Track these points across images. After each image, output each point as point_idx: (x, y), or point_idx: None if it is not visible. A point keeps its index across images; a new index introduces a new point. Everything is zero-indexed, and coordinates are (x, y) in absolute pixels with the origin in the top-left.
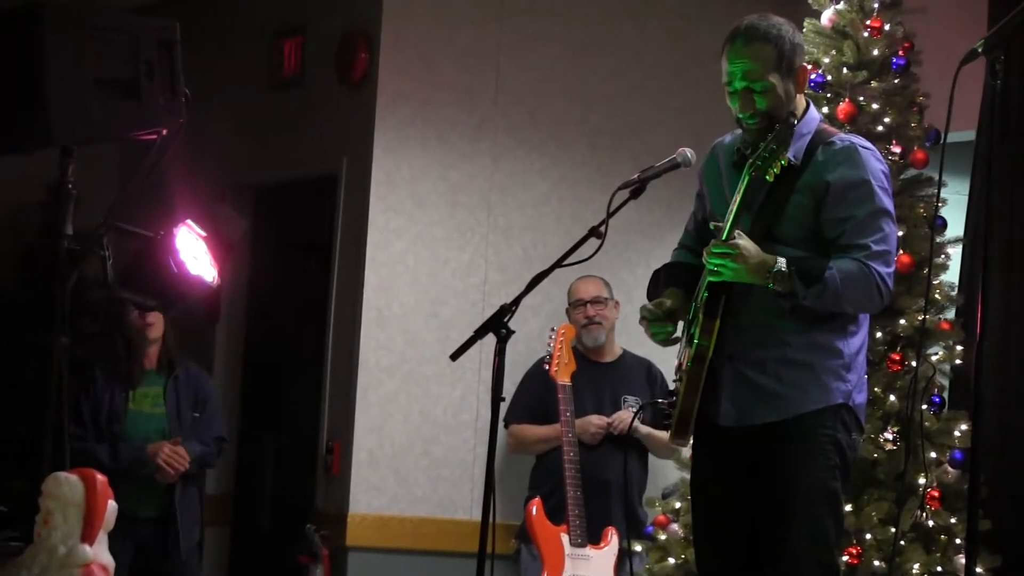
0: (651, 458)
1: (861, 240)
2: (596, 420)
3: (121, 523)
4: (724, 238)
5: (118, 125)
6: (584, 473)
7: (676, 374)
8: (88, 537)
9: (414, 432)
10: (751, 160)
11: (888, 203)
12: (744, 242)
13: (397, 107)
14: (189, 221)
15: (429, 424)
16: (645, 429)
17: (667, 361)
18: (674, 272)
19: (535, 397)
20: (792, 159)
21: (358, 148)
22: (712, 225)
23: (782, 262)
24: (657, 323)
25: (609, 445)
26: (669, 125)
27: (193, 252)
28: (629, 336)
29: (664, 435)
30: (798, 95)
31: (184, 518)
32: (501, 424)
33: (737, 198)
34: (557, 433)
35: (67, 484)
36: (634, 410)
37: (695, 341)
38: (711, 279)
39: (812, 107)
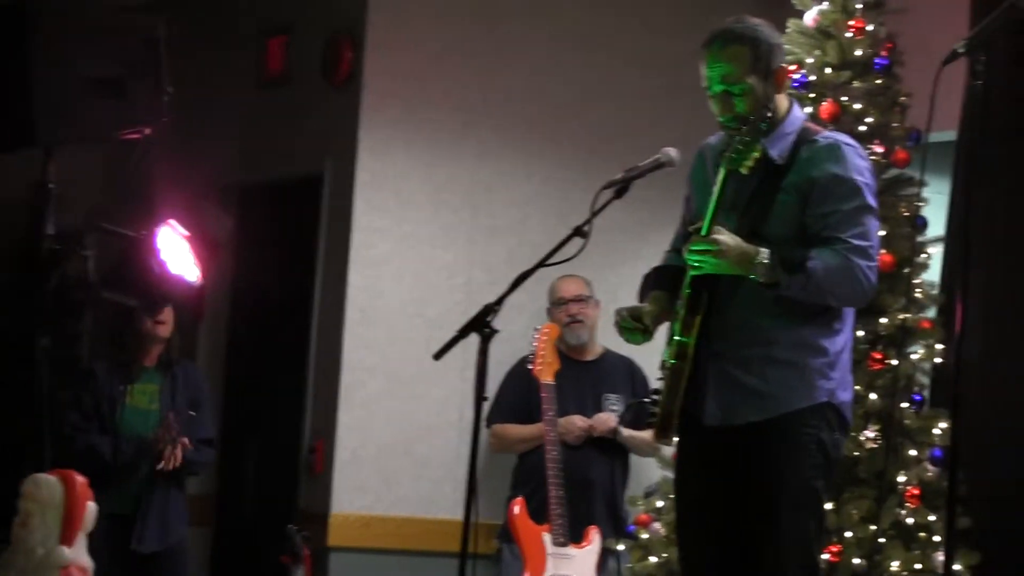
0: (633, 457)
1: (842, 234)
2: (579, 422)
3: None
4: (704, 233)
5: (103, 124)
6: (567, 472)
7: (660, 371)
8: (67, 539)
9: (397, 432)
10: (726, 154)
11: (872, 200)
12: (724, 236)
13: (382, 107)
14: (172, 221)
15: (412, 424)
16: (627, 432)
17: (649, 360)
18: (662, 275)
19: (518, 396)
20: (777, 158)
21: (343, 148)
22: (691, 227)
23: (764, 252)
24: (627, 332)
25: (591, 444)
26: (655, 125)
27: (176, 252)
28: (614, 336)
29: (645, 435)
30: (779, 95)
31: (172, 516)
32: (484, 424)
33: (715, 191)
34: (540, 433)
35: (46, 486)
36: (616, 411)
37: (676, 338)
38: (693, 273)
39: (796, 106)
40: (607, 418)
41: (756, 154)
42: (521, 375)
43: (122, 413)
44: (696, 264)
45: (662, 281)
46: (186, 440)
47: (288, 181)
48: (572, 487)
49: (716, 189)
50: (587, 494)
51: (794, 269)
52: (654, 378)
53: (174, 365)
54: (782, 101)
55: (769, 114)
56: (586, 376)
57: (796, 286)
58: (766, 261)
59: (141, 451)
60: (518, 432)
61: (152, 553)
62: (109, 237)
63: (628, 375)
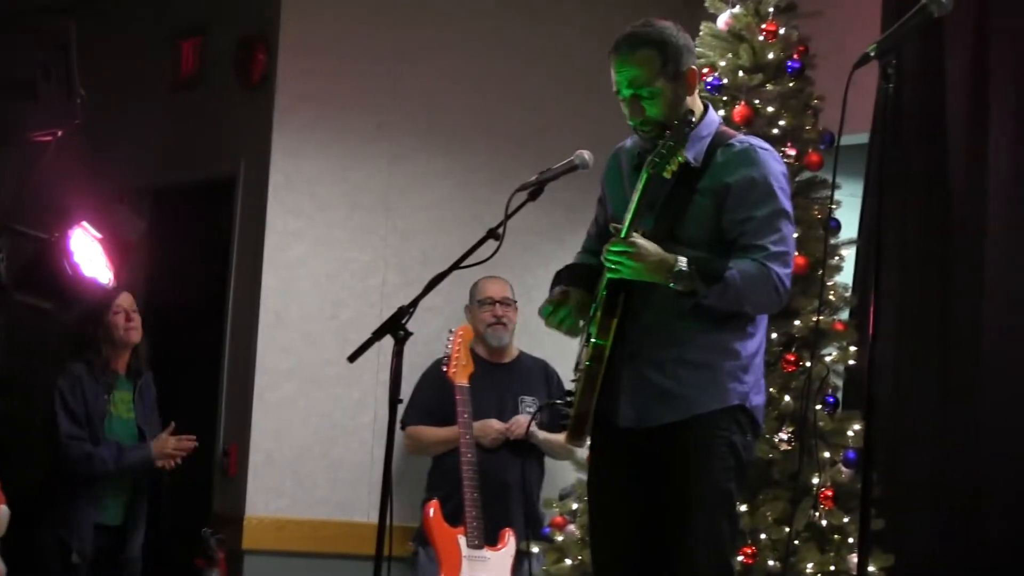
0: (548, 459)
1: (760, 241)
2: (495, 424)
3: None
4: (623, 236)
5: (14, 126)
6: (482, 475)
7: (575, 373)
8: None
9: (312, 434)
10: (649, 158)
11: (787, 204)
12: (642, 241)
13: (296, 109)
14: (84, 223)
15: (327, 426)
16: (542, 434)
17: (563, 362)
18: (575, 272)
19: (432, 398)
20: (692, 161)
21: (257, 150)
22: (611, 226)
23: (683, 261)
24: (560, 312)
25: (507, 447)
26: (569, 127)
27: (89, 254)
28: (530, 338)
29: (559, 438)
30: (691, 97)
31: (139, 522)
32: (399, 426)
33: (635, 196)
34: (455, 435)
35: None
36: (531, 412)
37: (592, 340)
38: (610, 275)
39: (711, 110)
40: (523, 421)
41: (680, 159)
42: (436, 377)
43: (108, 423)
44: (613, 266)
45: (575, 279)
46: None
47: (202, 183)
48: (488, 490)
49: (637, 193)
50: (503, 497)
51: (712, 279)
52: (568, 380)
53: (142, 373)
54: (696, 104)
55: (693, 118)
56: (503, 378)
57: (713, 296)
58: (684, 270)
59: (145, 460)
60: (433, 434)
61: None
62: (21, 239)
63: (543, 377)
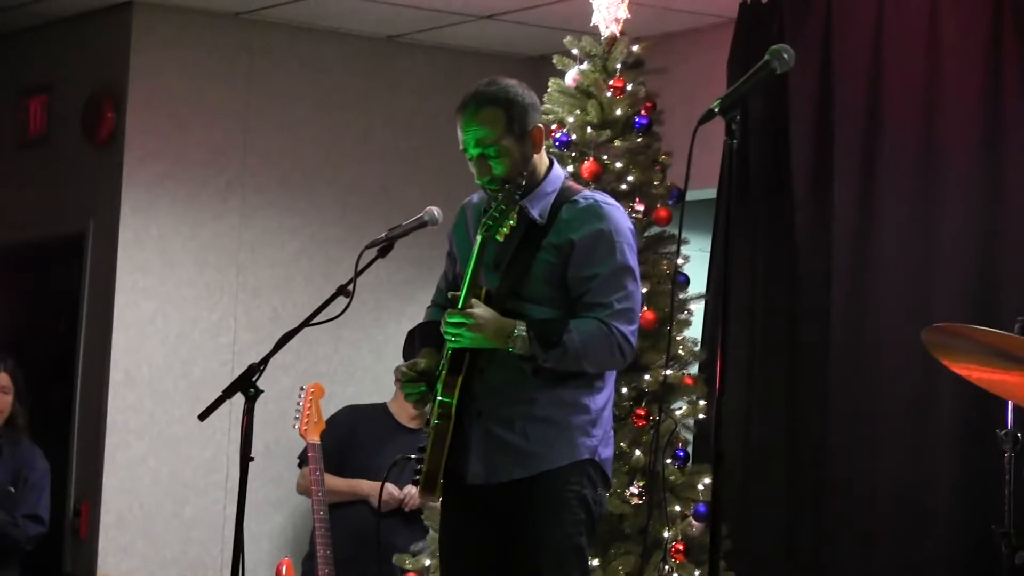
0: None
1: (604, 299)
2: (393, 492)
3: None
4: (460, 306)
5: None
6: (340, 530)
7: (424, 430)
8: None
9: (164, 493)
10: (483, 220)
11: (632, 260)
12: (480, 310)
13: (145, 166)
14: None
15: (179, 485)
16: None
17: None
18: (428, 331)
19: (334, 445)
20: (538, 218)
21: (105, 208)
22: (450, 294)
23: (521, 326)
24: (410, 384)
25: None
26: (419, 184)
27: None
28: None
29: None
30: (537, 154)
31: None
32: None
33: (471, 261)
34: (349, 489)
35: None
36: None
37: (439, 398)
38: (451, 345)
39: (556, 165)
40: (415, 492)
41: (512, 222)
42: (341, 423)
43: None
44: (452, 338)
45: (427, 338)
46: None
47: (50, 241)
48: (345, 545)
49: (473, 256)
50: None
51: (550, 344)
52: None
53: (2, 438)
54: (542, 160)
55: (523, 181)
56: (413, 442)
57: (552, 360)
58: (523, 334)
59: None
60: (331, 484)
61: None
62: None
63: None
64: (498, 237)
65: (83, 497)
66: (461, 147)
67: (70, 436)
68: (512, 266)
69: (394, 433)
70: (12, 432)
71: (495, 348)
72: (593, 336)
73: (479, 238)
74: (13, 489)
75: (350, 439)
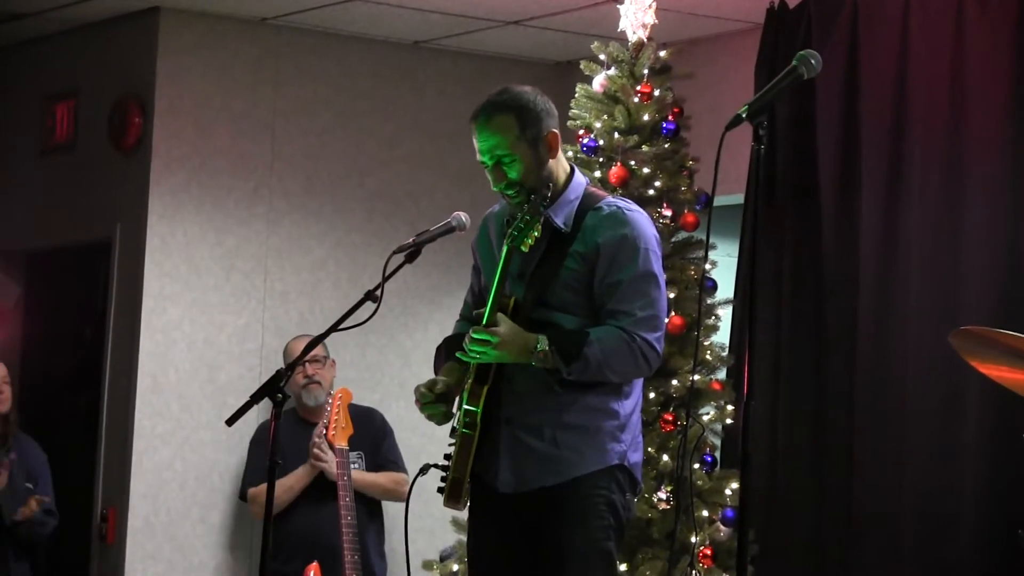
0: (386, 510)
1: (626, 307)
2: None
3: None
4: (484, 322)
5: None
6: (314, 536)
7: (451, 436)
8: None
9: (191, 499)
10: (508, 231)
11: (656, 267)
12: (503, 328)
13: (172, 172)
14: None
15: (206, 490)
16: (357, 475)
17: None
18: (454, 345)
19: (263, 458)
20: (562, 226)
21: (132, 213)
22: (474, 312)
23: (543, 341)
24: (430, 405)
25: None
26: (446, 190)
27: None
28: (386, 392)
29: (377, 477)
30: (554, 160)
31: None
32: (246, 498)
33: (497, 274)
34: (299, 478)
35: None
36: (356, 466)
37: (465, 406)
38: (475, 362)
39: (577, 172)
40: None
41: (537, 233)
42: (263, 440)
43: None
44: (476, 356)
45: (453, 350)
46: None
47: (77, 247)
48: (320, 551)
49: (499, 266)
50: (335, 557)
51: (572, 357)
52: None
53: (9, 440)
54: (561, 166)
55: (548, 192)
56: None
57: (576, 372)
58: (545, 349)
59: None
60: (280, 485)
61: None
62: None
63: (368, 428)
64: (523, 248)
65: (110, 502)
66: (477, 156)
67: (97, 441)
68: (537, 275)
69: (300, 430)
70: (11, 427)
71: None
72: (615, 346)
73: (504, 249)
74: (31, 486)
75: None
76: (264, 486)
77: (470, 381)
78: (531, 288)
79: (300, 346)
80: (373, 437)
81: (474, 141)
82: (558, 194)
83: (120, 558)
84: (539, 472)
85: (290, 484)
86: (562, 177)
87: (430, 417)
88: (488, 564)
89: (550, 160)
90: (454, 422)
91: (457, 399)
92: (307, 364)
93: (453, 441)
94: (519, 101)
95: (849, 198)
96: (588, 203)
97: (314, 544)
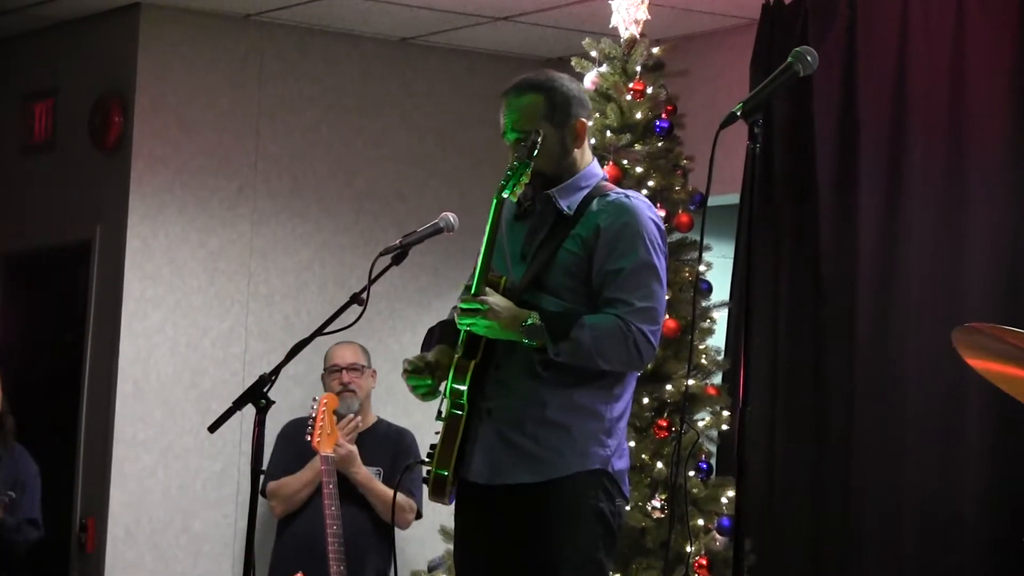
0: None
1: (624, 295)
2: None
3: None
4: (474, 292)
5: None
6: (313, 543)
7: (437, 420)
8: None
9: (173, 507)
10: (499, 184)
11: (657, 259)
12: (493, 298)
13: (153, 172)
14: None
15: (188, 498)
16: (373, 481)
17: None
18: (448, 329)
19: (289, 453)
20: (566, 209)
21: (113, 214)
22: (464, 284)
23: (535, 316)
24: (416, 375)
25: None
26: (434, 190)
27: None
28: (396, 406)
29: (385, 489)
30: (579, 149)
31: None
32: (265, 494)
33: (485, 238)
34: (316, 472)
35: None
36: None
37: (452, 385)
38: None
39: (596, 164)
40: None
41: (525, 179)
42: (292, 434)
43: None
44: (466, 324)
45: (447, 336)
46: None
47: (56, 249)
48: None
49: (486, 235)
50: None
51: (560, 336)
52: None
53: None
54: (584, 156)
55: (538, 138)
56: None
57: (564, 354)
58: (536, 324)
59: None
60: (296, 481)
61: None
62: None
63: (395, 446)
64: (512, 197)
65: (89, 511)
66: (501, 130)
67: (76, 448)
68: (537, 256)
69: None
70: (3, 435)
71: (513, 343)
72: (608, 333)
73: (494, 200)
74: (13, 494)
75: (302, 444)
76: (284, 480)
77: (458, 355)
78: (530, 269)
79: (341, 352)
80: (395, 456)
81: (500, 116)
82: (569, 177)
83: (100, 568)
84: (513, 466)
85: (309, 479)
86: (581, 165)
87: (415, 388)
88: (472, 566)
89: (575, 149)
90: (440, 406)
91: (443, 384)
92: (344, 372)
93: (439, 431)
94: (551, 82)
95: (847, 196)
96: (597, 192)
97: (311, 551)
